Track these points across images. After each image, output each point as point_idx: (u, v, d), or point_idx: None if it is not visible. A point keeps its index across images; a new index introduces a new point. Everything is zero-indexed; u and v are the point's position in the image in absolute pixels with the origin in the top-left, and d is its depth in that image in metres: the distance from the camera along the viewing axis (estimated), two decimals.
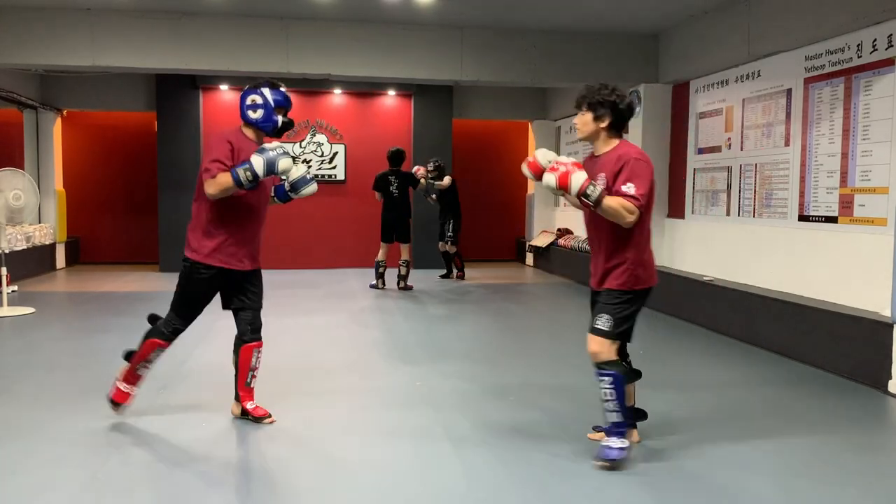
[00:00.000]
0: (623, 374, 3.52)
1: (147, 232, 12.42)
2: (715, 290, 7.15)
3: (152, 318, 4.11)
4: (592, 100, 3.52)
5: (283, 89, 4.05)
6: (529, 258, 12.90)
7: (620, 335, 3.58)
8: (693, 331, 7.13)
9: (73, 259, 12.39)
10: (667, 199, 8.75)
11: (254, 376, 4.16)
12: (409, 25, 8.20)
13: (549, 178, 3.41)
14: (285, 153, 3.81)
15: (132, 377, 4.12)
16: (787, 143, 6.59)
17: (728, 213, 7.52)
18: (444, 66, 8.38)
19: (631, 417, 3.65)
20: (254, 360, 4.12)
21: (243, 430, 4.08)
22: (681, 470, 3.55)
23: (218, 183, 3.73)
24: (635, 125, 8.83)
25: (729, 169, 7.52)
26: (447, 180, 10.19)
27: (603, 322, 3.53)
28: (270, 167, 3.73)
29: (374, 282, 9.69)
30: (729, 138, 7.54)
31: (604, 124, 3.53)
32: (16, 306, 7.78)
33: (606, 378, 3.50)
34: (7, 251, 8.12)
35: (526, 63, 8.50)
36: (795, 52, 6.44)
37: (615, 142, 3.57)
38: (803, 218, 6.35)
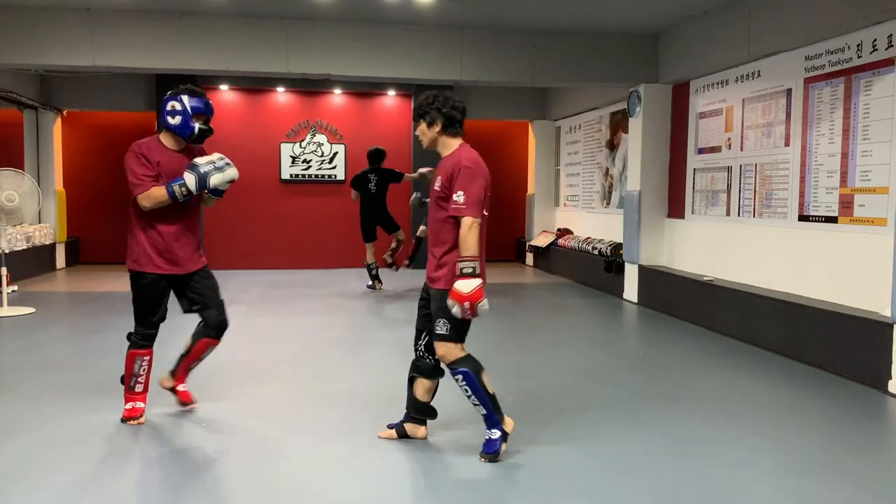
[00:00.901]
0: (474, 369, 3.63)
1: None
2: (715, 290, 7.15)
3: (129, 336, 4.20)
4: (420, 111, 3.74)
5: (203, 97, 4.08)
6: (529, 258, 12.91)
7: (462, 333, 3.68)
8: (693, 331, 7.13)
9: (73, 259, 12.40)
10: (667, 199, 8.75)
11: (197, 365, 4.38)
12: (409, 25, 8.20)
13: (480, 305, 3.49)
14: (217, 169, 3.99)
15: (130, 395, 4.18)
16: (787, 143, 6.59)
17: (728, 213, 7.52)
18: (444, 66, 8.37)
19: (496, 409, 3.69)
20: (206, 353, 4.32)
21: (244, 431, 4.08)
22: (681, 469, 3.55)
23: (152, 196, 3.89)
24: (635, 125, 8.84)
25: (729, 169, 7.52)
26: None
27: (441, 326, 3.64)
28: (202, 183, 3.93)
29: (369, 283, 9.71)
30: (729, 138, 7.54)
31: (437, 128, 3.70)
32: (16, 306, 7.78)
33: (459, 376, 3.64)
34: (7, 251, 8.11)
35: (526, 63, 8.49)
36: (795, 52, 6.44)
37: (455, 143, 3.74)
38: (803, 218, 6.35)
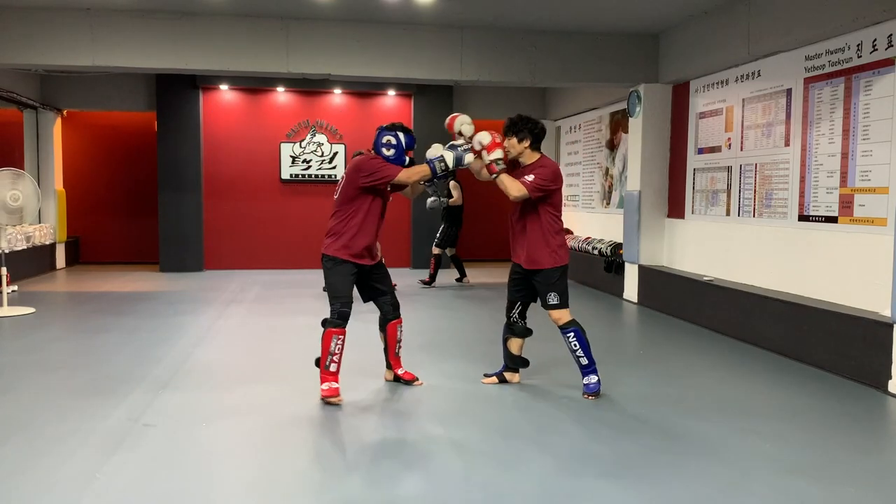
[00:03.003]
0: (581, 329, 4.70)
1: (147, 232, 12.42)
2: (715, 290, 7.15)
3: (324, 322, 4.65)
4: (514, 129, 4.70)
5: (412, 134, 4.75)
6: None
7: (567, 301, 4.71)
8: (693, 331, 7.13)
9: (73, 259, 12.40)
10: (667, 199, 8.75)
11: (400, 346, 4.97)
12: (409, 25, 8.19)
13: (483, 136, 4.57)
14: (469, 150, 4.62)
15: (326, 374, 4.59)
16: (787, 143, 6.59)
17: (728, 213, 7.52)
18: (444, 66, 8.37)
19: (593, 363, 4.78)
20: (398, 333, 4.93)
21: (242, 433, 4.09)
22: (681, 470, 3.55)
23: (415, 171, 4.60)
24: (635, 125, 8.84)
25: (729, 169, 7.52)
26: (457, 194, 10.02)
27: (553, 298, 4.69)
28: (458, 160, 4.60)
29: None
30: (729, 138, 7.54)
31: (526, 144, 4.70)
32: (16, 306, 7.78)
33: (571, 334, 4.69)
34: (7, 251, 8.11)
35: (526, 63, 8.49)
36: (795, 52, 6.44)
37: (536, 155, 4.74)
38: (803, 218, 6.35)
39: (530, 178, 4.54)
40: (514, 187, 4.53)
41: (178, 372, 5.26)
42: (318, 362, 4.63)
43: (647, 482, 3.40)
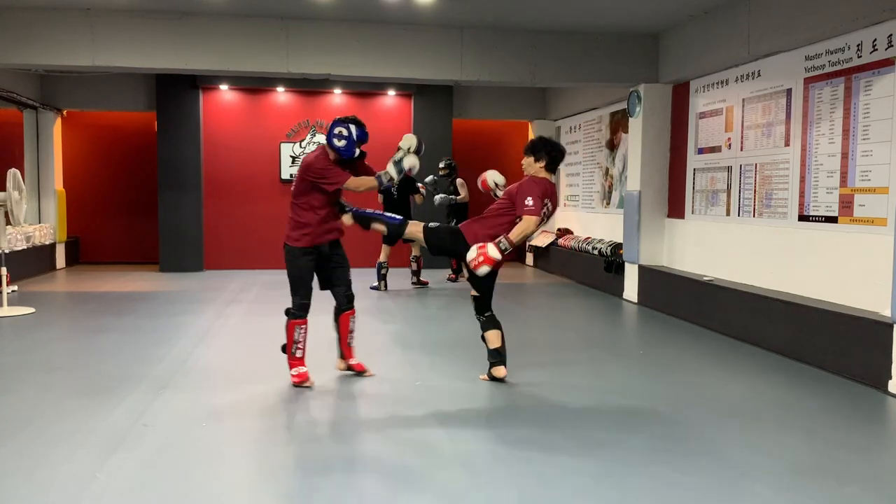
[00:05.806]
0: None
1: (147, 232, 12.42)
2: (715, 290, 7.15)
3: (286, 312, 4.96)
4: (534, 149, 4.90)
5: (365, 127, 4.86)
6: (529, 258, 12.91)
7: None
8: (693, 331, 7.13)
9: (73, 259, 12.40)
10: (667, 199, 8.75)
11: (352, 337, 5.14)
12: (409, 25, 8.19)
13: (483, 269, 4.70)
14: (406, 154, 4.91)
15: (293, 360, 4.91)
16: (787, 143, 6.59)
17: (728, 213, 7.52)
18: (444, 66, 8.37)
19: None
20: (351, 324, 5.13)
21: (242, 433, 4.09)
22: (681, 470, 3.55)
23: (364, 182, 4.80)
24: (635, 125, 8.84)
25: (729, 169, 7.52)
26: (464, 192, 10.40)
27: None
28: (400, 170, 4.87)
29: (375, 283, 9.65)
30: (729, 138, 7.54)
31: (541, 164, 4.89)
32: (16, 306, 7.78)
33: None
34: (7, 251, 8.12)
35: (526, 63, 8.49)
36: (795, 52, 6.44)
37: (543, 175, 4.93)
38: (803, 218, 6.35)
39: (530, 202, 4.68)
40: (530, 226, 4.70)
41: (178, 372, 5.26)
42: (284, 349, 4.95)
43: (647, 482, 3.40)
